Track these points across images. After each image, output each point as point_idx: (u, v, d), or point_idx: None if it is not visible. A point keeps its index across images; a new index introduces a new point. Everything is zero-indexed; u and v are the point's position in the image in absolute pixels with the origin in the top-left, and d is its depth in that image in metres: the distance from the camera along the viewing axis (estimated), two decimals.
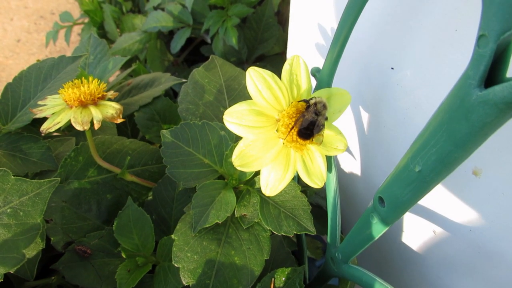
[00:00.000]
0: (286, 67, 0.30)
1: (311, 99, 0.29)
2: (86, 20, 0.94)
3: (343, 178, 0.49)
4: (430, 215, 0.36)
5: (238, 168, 0.29)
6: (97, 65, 0.54)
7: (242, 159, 0.29)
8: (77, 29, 1.29)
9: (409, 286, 0.43)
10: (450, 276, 0.36)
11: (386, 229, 0.28)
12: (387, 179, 0.26)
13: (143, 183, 0.42)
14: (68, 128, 0.51)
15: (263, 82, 0.29)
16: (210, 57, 0.46)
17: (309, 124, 0.27)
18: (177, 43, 0.75)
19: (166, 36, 0.90)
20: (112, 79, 0.80)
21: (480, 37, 0.17)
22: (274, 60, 0.75)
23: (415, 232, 0.39)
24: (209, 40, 0.80)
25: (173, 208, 0.41)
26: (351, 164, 0.45)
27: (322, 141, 0.29)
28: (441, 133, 0.20)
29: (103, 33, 0.89)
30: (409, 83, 0.32)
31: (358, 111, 0.39)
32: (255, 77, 0.29)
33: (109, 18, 0.84)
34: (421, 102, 0.31)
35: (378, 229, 0.28)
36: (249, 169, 0.29)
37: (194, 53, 0.88)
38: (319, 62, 0.41)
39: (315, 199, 0.56)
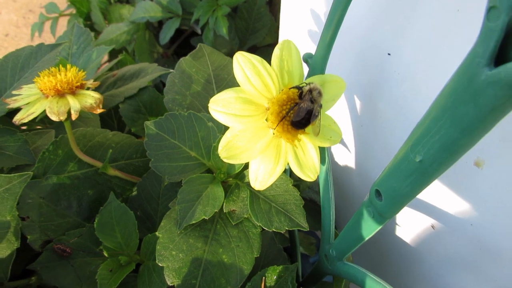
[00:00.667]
0: (276, 52, 0.28)
1: (305, 85, 0.27)
2: (73, 11, 0.91)
3: (337, 171, 0.47)
4: (428, 209, 0.34)
5: (225, 160, 0.27)
6: (80, 55, 0.52)
7: (229, 150, 0.27)
8: (64, 21, 1.25)
9: (407, 284, 0.42)
10: (450, 274, 0.34)
11: (383, 224, 0.26)
12: (384, 171, 0.24)
13: (127, 177, 0.39)
14: (50, 120, 0.48)
15: (252, 68, 0.27)
16: (198, 46, 0.44)
17: (306, 113, 0.25)
18: (166, 34, 0.73)
19: (156, 28, 0.87)
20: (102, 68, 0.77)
21: (490, 9, 0.15)
22: (266, 51, 0.73)
23: (413, 226, 0.37)
24: (199, 31, 0.77)
25: (159, 204, 0.39)
26: (345, 157, 0.43)
27: (319, 131, 0.27)
28: (445, 118, 0.18)
29: (90, 25, 0.87)
30: (408, 69, 0.30)
31: (353, 99, 0.37)
32: (243, 63, 0.27)
33: (96, 9, 0.81)
34: (421, 89, 0.29)
35: (375, 224, 0.26)
36: (236, 161, 0.27)
37: (184, 45, 0.86)
38: (312, 49, 0.39)
39: (308, 193, 0.54)
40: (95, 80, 0.54)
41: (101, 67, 0.77)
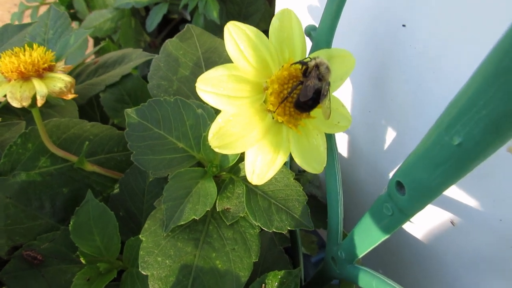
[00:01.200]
0: (274, 23, 0.24)
1: (310, 60, 0.23)
2: None
3: (340, 162, 0.43)
4: (446, 202, 0.30)
5: (216, 150, 0.22)
6: (57, 41, 0.47)
7: (221, 138, 0.22)
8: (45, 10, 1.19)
9: (420, 283, 0.38)
10: (472, 276, 0.31)
11: (405, 222, 0.22)
12: (408, 159, 0.20)
13: (108, 173, 0.35)
14: (25, 111, 0.43)
15: (246, 40, 0.22)
16: (186, 26, 0.40)
17: (313, 92, 0.21)
18: (153, 20, 0.68)
19: (143, 17, 0.83)
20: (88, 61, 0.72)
21: None
22: None
23: (428, 222, 0.33)
24: (189, 17, 0.73)
25: (144, 202, 0.35)
26: (350, 145, 0.39)
27: (329, 114, 0.23)
28: (495, 89, 0.14)
29: (73, 13, 0.82)
30: (426, 43, 0.26)
31: (359, 80, 0.33)
32: (236, 34, 0.22)
33: None
34: (441, 66, 0.25)
35: (395, 223, 0.22)
36: (230, 151, 0.23)
37: (174, 33, 0.81)
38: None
39: (308, 188, 0.50)
40: (74, 68, 0.49)
41: (88, 59, 0.72)
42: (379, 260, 0.44)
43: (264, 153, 0.23)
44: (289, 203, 0.30)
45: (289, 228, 0.29)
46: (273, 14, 0.63)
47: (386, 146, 0.34)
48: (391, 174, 0.35)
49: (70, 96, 0.28)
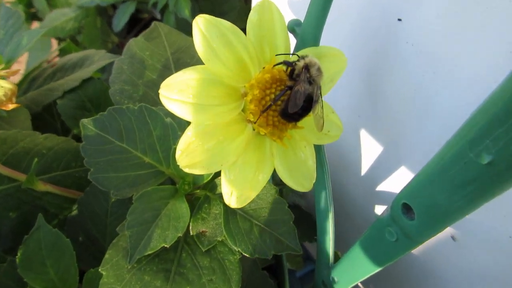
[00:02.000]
0: (253, 17, 0.20)
1: (298, 59, 0.19)
2: None
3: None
4: None
5: (186, 170, 0.19)
6: (9, 42, 0.42)
7: (192, 156, 0.18)
8: None
9: None
10: None
11: (413, 249, 0.19)
12: (418, 178, 0.16)
13: (64, 193, 0.31)
14: None
15: (219, 36, 0.19)
16: (153, 24, 0.36)
17: (304, 99, 0.18)
18: (121, 20, 0.63)
19: (110, 16, 0.77)
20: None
21: None
22: None
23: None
24: (159, 16, 0.68)
25: (108, 225, 0.30)
26: (335, 153, 0.36)
27: (323, 124, 0.19)
28: None
29: (33, 13, 0.76)
30: (424, 40, 0.23)
31: (347, 81, 0.29)
32: (207, 30, 0.19)
33: None
34: (443, 64, 0.22)
35: (400, 249, 0.19)
36: (202, 170, 0.19)
37: None
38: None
39: (291, 198, 0.47)
40: (30, 72, 0.44)
41: (50, 61, 0.67)
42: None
43: (244, 171, 0.20)
44: (274, 223, 0.26)
45: (274, 253, 0.25)
46: (249, 12, 0.59)
47: (377, 155, 0.31)
48: (382, 186, 0.32)
49: (11, 106, 0.23)
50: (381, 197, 0.32)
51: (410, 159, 0.28)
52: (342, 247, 0.36)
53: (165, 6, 0.60)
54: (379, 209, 0.33)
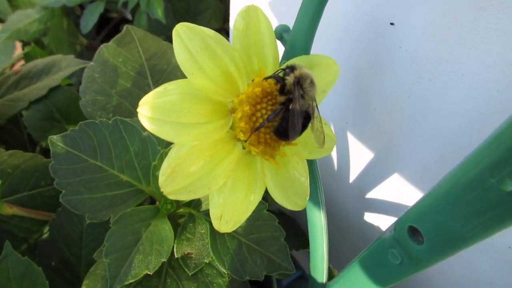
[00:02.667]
0: (238, 25, 0.19)
1: (286, 70, 0.17)
2: None
3: None
4: None
5: (171, 197, 0.17)
6: None
7: (177, 180, 0.17)
8: None
9: None
10: None
11: (420, 272, 0.17)
12: (427, 200, 0.15)
13: (33, 215, 0.28)
14: None
15: (203, 47, 0.17)
16: (125, 28, 0.33)
17: (303, 117, 0.16)
18: (89, 21, 0.60)
19: (78, 17, 0.74)
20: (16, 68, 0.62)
21: None
22: None
23: None
24: (130, 16, 0.65)
25: (83, 247, 0.28)
26: (326, 161, 0.34)
27: (323, 139, 0.18)
28: None
29: None
30: (419, 45, 0.21)
31: (337, 84, 0.28)
32: (189, 40, 0.17)
33: None
34: (438, 71, 0.21)
35: (404, 272, 0.18)
36: (189, 195, 0.17)
37: (114, 34, 0.73)
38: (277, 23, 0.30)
39: (276, 204, 0.45)
40: None
41: (14, 65, 0.62)
42: None
43: (234, 193, 0.18)
44: (264, 241, 0.24)
45: (266, 274, 0.24)
46: (224, 11, 0.57)
47: (364, 163, 0.29)
48: (371, 194, 0.31)
49: None
50: (371, 205, 0.31)
51: (401, 167, 0.27)
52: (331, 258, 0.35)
53: (136, 6, 0.58)
54: (369, 218, 0.32)
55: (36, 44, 0.64)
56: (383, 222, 0.31)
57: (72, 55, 0.40)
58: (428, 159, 0.24)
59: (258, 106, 0.17)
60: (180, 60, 0.17)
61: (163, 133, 0.16)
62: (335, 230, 0.37)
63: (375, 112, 0.26)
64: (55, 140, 0.24)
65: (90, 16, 0.60)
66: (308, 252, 0.25)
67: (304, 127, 0.17)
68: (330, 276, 0.26)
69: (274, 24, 0.23)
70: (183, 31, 0.17)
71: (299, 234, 0.43)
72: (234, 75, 0.18)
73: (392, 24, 0.22)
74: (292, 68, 0.18)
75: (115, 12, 0.73)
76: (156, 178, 0.25)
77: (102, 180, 0.25)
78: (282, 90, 0.17)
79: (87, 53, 0.70)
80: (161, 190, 0.17)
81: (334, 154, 0.32)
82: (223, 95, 0.17)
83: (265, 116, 0.17)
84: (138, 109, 0.16)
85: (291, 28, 0.21)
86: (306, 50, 0.20)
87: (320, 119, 0.18)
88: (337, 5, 0.25)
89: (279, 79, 0.17)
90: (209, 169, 0.17)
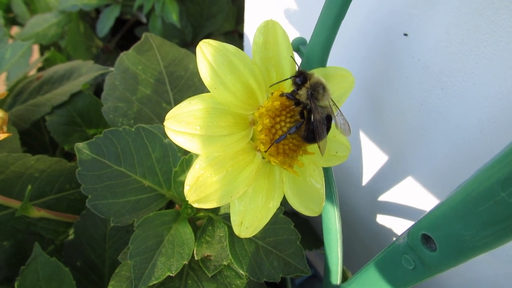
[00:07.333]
0: (257, 40, 0.20)
1: (298, 78, 0.18)
2: None
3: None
4: None
5: (195, 205, 0.18)
6: None
7: (201, 190, 0.18)
8: None
9: None
10: None
11: (433, 277, 0.18)
12: (440, 209, 0.16)
13: (59, 217, 0.29)
14: None
15: (226, 63, 0.18)
16: (144, 36, 0.35)
17: (326, 126, 0.18)
18: (105, 24, 0.61)
19: (94, 20, 0.75)
20: (32, 73, 0.64)
21: None
22: (225, 40, 0.64)
23: None
24: (144, 20, 0.67)
25: (106, 249, 0.29)
26: (340, 166, 0.35)
27: (349, 129, 0.20)
28: None
29: (12, 18, 0.73)
30: (432, 55, 0.22)
31: (354, 95, 0.29)
32: (211, 57, 0.18)
33: None
34: (451, 80, 0.22)
35: (417, 277, 0.19)
36: (212, 203, 0.18)
37: (129, 36, 0.74)
38: (291, 36, 0.30)
39: (289, 205, 0.46)
40: (14, 86, 0.42)
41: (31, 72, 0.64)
42: None
43: (254, 200, 0.19)
44: (280, 244, 0.25)
45: (282, 276, 0.24)
46: (237, 13, 0.58)
47: (377, 168, 0.30)
48: (383, 197, 0.32)
49: (2, 137, 0.22)
50: (384, 208, 0.32)
51: (412, 172, 0.27)
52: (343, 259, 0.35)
53: (151, 10, 0.59)
54: (381, 220, 0.33)
55: (55, 50, 0.66)
56: (395, 224, 0.32)
57: (91, 61, 0.42)
58: (439, 166, 0.25)
59: (278, 119, 0.18)
60: (203, 76, 0.18)
61: (188, 146, 0.17)
62: (348, 231, 0.38)
63: (388, 119, 0.27)
64: (81, 147, 0.26)
65: (106, 20, 0.61)
66: (321, 252, 0.26)
67: (328, 129, 0.18)
68: (344, 277, 0.27)
69: (292, 35, 0.23)
70: (206, 48, 0.18)
71: (311, 234, 0.44)
72: (254, 88, 0.18)
73: (405, 35, 0.23)
74: (302, 79, 0.19)
75: (129, 15, 0.75)
76: (176, 183, 0.26)
77: (126, 186, 0.26)
78: (298, 103, 0.18)
79: (102, 55, 0.71)
80: (186, 199, 0.18)
81: (348, 159, 0.33)
82: (244, 108, 0.18)
83: (284, 129, 0.18)
84: (165, 123, 0.17)
85: (307, 41, 0.22)
86: (322, 63, 0.21)
87: (341, 113, 0.19)
88: (352, 14, 0.26)
89: (291, 97, 0.18)
90: (231, 179, 0.18)
